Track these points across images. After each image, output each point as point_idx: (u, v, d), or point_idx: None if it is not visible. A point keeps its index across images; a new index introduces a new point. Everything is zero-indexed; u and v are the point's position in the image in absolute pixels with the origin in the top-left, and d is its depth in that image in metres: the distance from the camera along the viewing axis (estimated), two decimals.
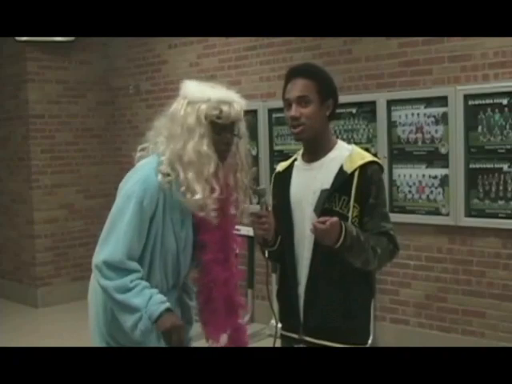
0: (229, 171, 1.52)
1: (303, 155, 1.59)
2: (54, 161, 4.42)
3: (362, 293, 1.52)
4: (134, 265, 1.41)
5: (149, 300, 1.38)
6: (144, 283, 1.41)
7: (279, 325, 1.57)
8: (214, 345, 1.55)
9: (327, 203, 1.48)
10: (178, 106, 1.46)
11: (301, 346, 1.51)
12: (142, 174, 1.44)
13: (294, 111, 1.48)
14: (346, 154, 1.52)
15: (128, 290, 1.38)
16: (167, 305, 1.41)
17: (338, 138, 1.65)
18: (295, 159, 1.61)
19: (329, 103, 1.51)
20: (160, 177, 1.42)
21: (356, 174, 1.48)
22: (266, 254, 1.53)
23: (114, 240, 1.40)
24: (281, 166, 1.65)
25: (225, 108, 1.43)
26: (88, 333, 1.58)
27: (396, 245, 1.52)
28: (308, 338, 1.50)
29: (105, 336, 1.51)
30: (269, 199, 1.55)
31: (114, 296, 1.39)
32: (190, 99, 1.45)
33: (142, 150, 1.53)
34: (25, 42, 4.17)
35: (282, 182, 1.59)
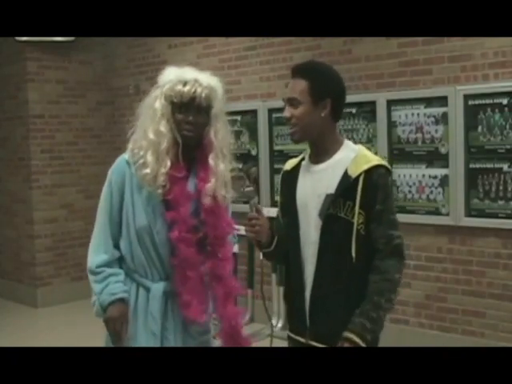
0: (205, 155, 1.54)
1: (310, 155, 1.54)
2: (54, 161, 4.42)
3: None
4: (106, 248, 1.53)
5: (104, 288, 1.51)
6: (109, 271, 1.52)
7: (279, 325, 1.57)
8: (199, 323, 1.52)
9: (332, 208, 1.44)
10: (152, 92, 1.56)
11: None
12: (115, 162, 1.59)
13: (286, 112, 1.48)
14: (351, 156, 1.47)
15: (93, 273, 1.54)
16: (117, 296, 1.50)
17: (343, 137, 1.58)
18: (303, 158, 1.57)
19: (325, 104, 1.45)
20: (127, 155, 1.54)
21: (361, 178, 1.43)
22: (261, 256, 1.52)
23: (97, 224, 1.58)
24: (289, 165, 1.61)
25: (178, 87, 1.48)
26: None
27: (403, 255, 1.47)
28: (313, 343, 1.48)
29: None
30: (256, 200, 1.51)
31: (88, 273, 1.57)
32: (159, 83, 1.54)
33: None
34: (25, 41, 4.16)
35: (289, 182, 1.56)
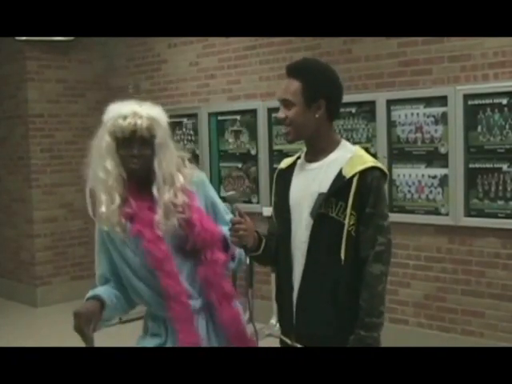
0: (160, 185, 1.53)
1: (306, 154, 1.53)
2: (54, 160, 4.42)
3: (354, 306, 1.41)
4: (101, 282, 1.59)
5: (91, 290, 1.53)
6: (101, 286, 1.56)
7: (276, 327, 1.57)
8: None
9: (323, 208, 1.42)
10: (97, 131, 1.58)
11: None
12: None
13: (280, 113, 1.47)
14: (347, 157, 1.44)
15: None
16: (95, 293, 1.51)
17: (342, 137, 1.56)
18: (299, 157, 1.56)
19: (318, 105, 1.44)
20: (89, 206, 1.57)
21: (355, 179, 1.40)
22: (247, 260, 1.50)
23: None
24: (284, 163, 1.59)
25: (119, 121, 1.50)
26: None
27: (385, 262, 1.41)
28: (298, 345, 1.47)
29: None
30: (236, 205, 1.47)
31: None
32: (103, 121, 1.57)
33: None
34: (24, 41, 4.17)
35: (284, 180, 1.55)
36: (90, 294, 1.51)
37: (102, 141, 1.53)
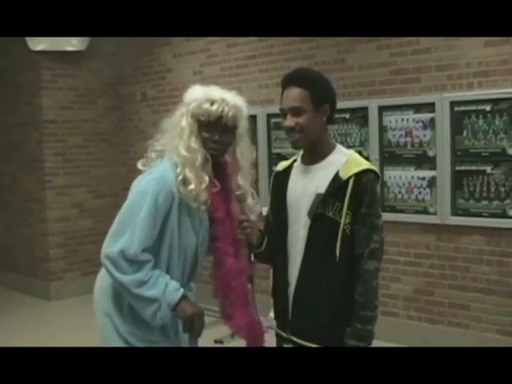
0: (230, 172, 1.56)
1: (303, 157, 1.57)
2: (66, 163, 4.58)
3: (347, 300, 1.46)
4: (146, 256, 1.43)
5: (165, 288, 1.42)
6: (157, 272, 1.43)
7: (274, 322, 1.62)
8: (241, 335, 1.54)
9: (320, 208, 1.46)
10: (177, 109, 1.55)
11: (289, 345, 1.53)
12: (158, 173, 1.47)
13: (289, 121, 1.48)
14: (343, 160, 1.49)
15: (143, 283, 1.40)
16: (182, 291, 1.45)
17: (336, 141, 1.62)
18: (295, 160, 1.60)
19: (325, 108, 1.49)
20: (173, 173, 1.48)
21: (351, 181, 1.45)
22: (252, 257, 1.57)
23: (129, 234, 1.41)
24: (281, 166, 1.64)
25: (206, 106, 1.47)
26: (96, 324, 1.57)
27: (379, 258, 1.47)
28: (293, 338, 1.51)
29: (121, 333, 1.51)
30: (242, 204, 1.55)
31: (131, 290, 1.41)
32: (184, 101, 1.53)
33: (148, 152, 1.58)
34: (39, 52, 4.33)
35: (281, 182, 1.59)
36: (182, 291, 1.43)
37: (183, 121, 1.48)
